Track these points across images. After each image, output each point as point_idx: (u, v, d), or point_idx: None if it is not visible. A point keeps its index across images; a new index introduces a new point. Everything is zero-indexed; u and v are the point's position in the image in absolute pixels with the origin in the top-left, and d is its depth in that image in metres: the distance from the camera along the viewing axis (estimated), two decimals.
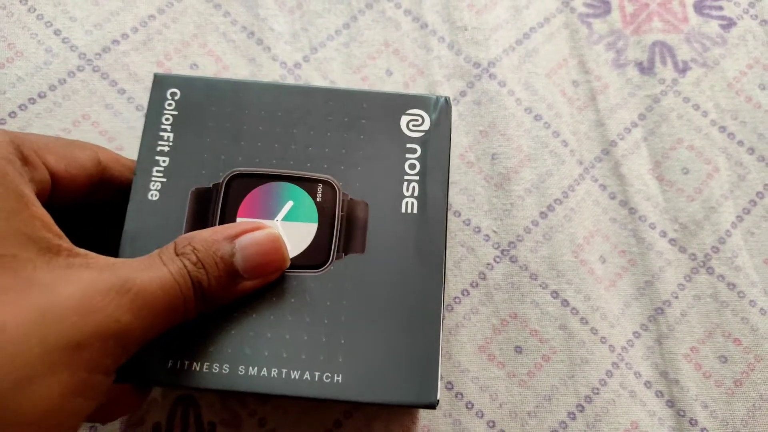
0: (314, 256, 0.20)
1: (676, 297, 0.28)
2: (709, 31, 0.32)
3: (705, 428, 0.26)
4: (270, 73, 0.30)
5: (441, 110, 0.22)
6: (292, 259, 0.20)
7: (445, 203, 0.21)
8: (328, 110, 0.22)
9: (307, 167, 0.21)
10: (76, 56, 0.29)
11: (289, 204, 0.20)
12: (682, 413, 0.26)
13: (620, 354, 0.27)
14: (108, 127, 0.29)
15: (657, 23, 0.32)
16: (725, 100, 0.31)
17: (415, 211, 0.21)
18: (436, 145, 0.21)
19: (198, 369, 0.18)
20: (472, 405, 0.25)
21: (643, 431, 0.26)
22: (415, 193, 0.21)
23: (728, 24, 0.32)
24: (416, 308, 0.19)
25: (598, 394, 0.26)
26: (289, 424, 0.25)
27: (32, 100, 0.29)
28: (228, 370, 0.18)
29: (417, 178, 0.21)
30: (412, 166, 0.21)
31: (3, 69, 0.29)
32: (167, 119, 0.21)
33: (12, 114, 0.28)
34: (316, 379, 0.19)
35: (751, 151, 0.30)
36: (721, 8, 0.33)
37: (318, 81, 0.30)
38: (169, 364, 0.18)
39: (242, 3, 0.31)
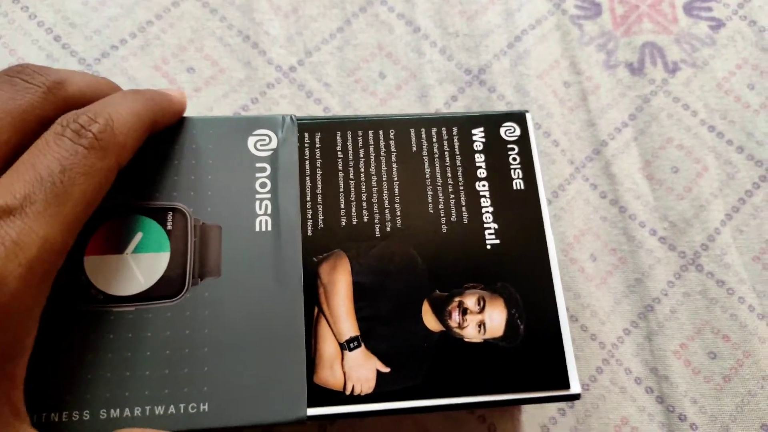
0: (169, 285, 0.19)
1: (666, 294, 0.28)
2: (698, 32, 0.33)
3: (694, 423, 0.26)
4: (265, 77, 0.31)
5: (287, 129, 0.22)
6: (146, 291, 0.19)
7: (298, 219, 0.21)
8: (174, 139, 0.21)
9: (155, 197, 0.20)
10: (76, 61, 0.30)
11: (139, 235, 0.20)
12: (672, 409, 0.26)
13: (610, 351, 0.27)
14: None
15: (647, 24, 0.33)
16: (714, 99, 0.31)
17: (269, 228, 0.20)
18: (285, 162, 0.21)
19: (57, 419, 0.18)
20: None
21: (633, 427, 0.26)
22: (268, 211, 0.21)
23: (717, 25, 0.33)
24: (278, 326, 0.19)
25: (588, 390, 0.26)
26: None
27: None
28: (88, 416, 0.18)
29: (269, 196, 0.21)
30: (263, 185, 0.21)
31: None
32: None
33: None
34: (182, 411, 0.18)
35: (740, 150, 0.30)
36: (710, 9, 0.33)
37: (312, 84, 0.31)
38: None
39: (238, 8, 0.32)
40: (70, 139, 0.16)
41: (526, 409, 0.26)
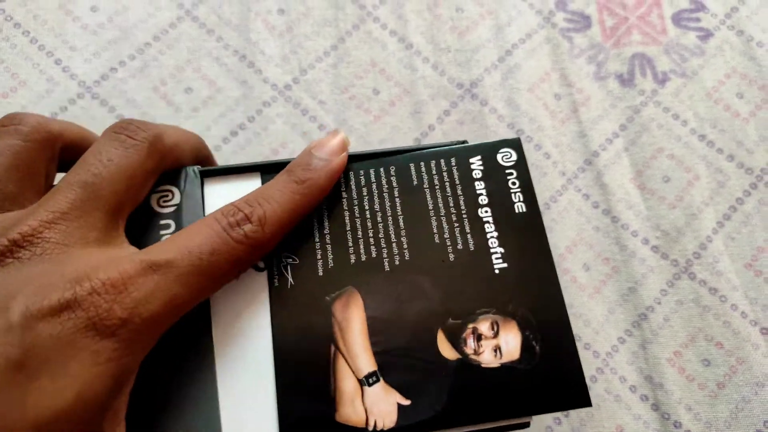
0: None
1: (659, 302, 0.28)
2: (687, 43, 0.33)
3: (689, 430, 0.26)
4: (261, 95, 0.31)
5: (190, 182, 0.21)
6: None
7: None
8: None
9: None
10: (76, 84, 0.31)
11: None
12: (667, 416, 0.27)
13: (605, 359, 0.27)
14: None
15: (636, 36, 0.33)
16: (704, 109, 0.32)
17: None
18: (190, 217, 0.21)
19: None
20: None
21: None
22: None
23: (706, 35, 0.33)
24: (191, 360, 0.19)
25: None
26: None
27: None
28: None
29: None
30: None
31: (7, 98, 0.30)
32: None
33: None
34: None
35: (731, 158, 0.31)
36: (698, 20, 0.33)
37: (308, 102, 0.31)
38: None
39: (234, 28, 0.32)
40: (224, 229, 0.18)
41: None
